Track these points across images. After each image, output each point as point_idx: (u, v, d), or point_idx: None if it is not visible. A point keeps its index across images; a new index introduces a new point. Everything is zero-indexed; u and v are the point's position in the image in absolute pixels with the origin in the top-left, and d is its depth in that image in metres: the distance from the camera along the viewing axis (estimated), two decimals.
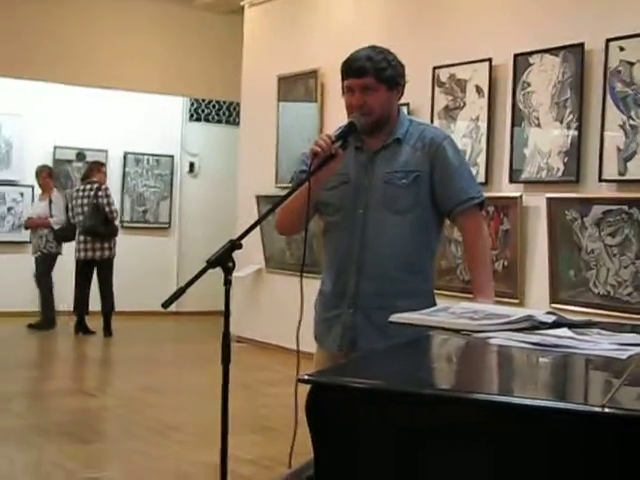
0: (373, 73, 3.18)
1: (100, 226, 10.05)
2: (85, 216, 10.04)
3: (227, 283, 2.73)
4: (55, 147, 11.67)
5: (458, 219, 3.28)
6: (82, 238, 10.06)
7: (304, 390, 1.76)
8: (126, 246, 10.58)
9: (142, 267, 11.71)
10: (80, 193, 10.20)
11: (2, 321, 10.45)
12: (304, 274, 3.06)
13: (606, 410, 1.48)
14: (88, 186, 10.20)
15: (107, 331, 10.22)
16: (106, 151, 11.79)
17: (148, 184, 12.44)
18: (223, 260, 2.73)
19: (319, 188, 3.20)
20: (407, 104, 7.30)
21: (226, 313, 2.75)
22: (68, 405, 6.80)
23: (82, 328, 10.15)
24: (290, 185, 3.36)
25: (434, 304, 3.07)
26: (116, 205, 10.49)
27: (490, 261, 3.51)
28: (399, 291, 3.18)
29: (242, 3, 10.29)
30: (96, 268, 10.22)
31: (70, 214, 10.24)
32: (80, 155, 11.74)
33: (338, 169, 3.19)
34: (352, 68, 3.21)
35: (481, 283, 3.27)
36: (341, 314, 3.27)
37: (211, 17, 11.38)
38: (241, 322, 9.54)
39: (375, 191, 3.23)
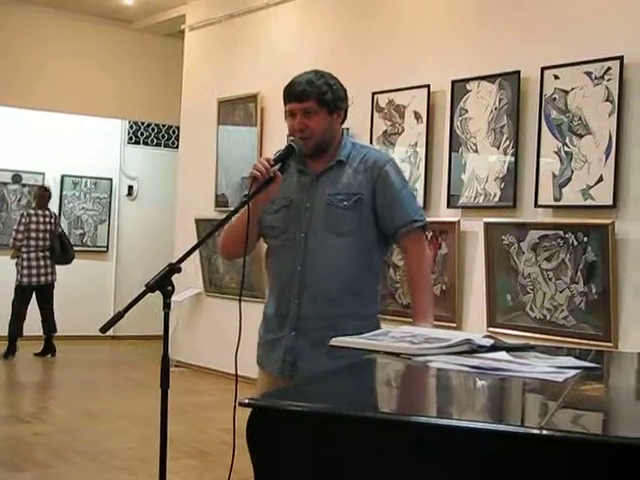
0: (314, 97, 3.20)
1: (60, 252, 10.31)
2: (45, 242, 10.19)
3: (166, 307, 2.71)
4: None
5: (401, 242, 3.30)
6: (36, 263, 10.10)
7: (243, 415, 1.75)
8: (64, 270, 10.43)
9: (80, 291, 11.57)
10: (40, 219, 10.24)
11: None
12: (243, 298, 3.05)
13: (544, 432, 1.50)
14: (47, 212, 10.35)
15: (52, 351, 10.35)
16: (43, 173, 11.65)
17: (86, 207, 12.31)
18: (162, 284, 2.71)
19: (260, 211, 3.20)
20: (347, 129, 7.32)
21: (165, 337, 2.73)
22: (0, 431, 6.68)
23: (13, 352, 10.06)
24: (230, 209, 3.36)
25: (378, 327, 3.08)
26: None
27: (431, 285, 3.54)
28: (342, 313, 3.19)
29: (182, 27, 10.28)
30: (39, 292, 10.25)
31: (19, 236, 10.13)
32: (16, 177, 11.59)
33: (280, 192, 3.20)
34: (294, 92, 3.23)
35: (422, 307, 3.28)
36: (283, 337, 3.26)
37: (151, 40, 11.34)
38: (180, 346, 9.48)
39: (317, 213, 3.24)
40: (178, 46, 10.45)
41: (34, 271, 10.11)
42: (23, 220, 10.14)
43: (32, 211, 10.28)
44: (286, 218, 3.28)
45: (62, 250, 10.35)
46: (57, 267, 10.32)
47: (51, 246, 10.25)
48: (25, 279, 10.09)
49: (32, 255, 10.09)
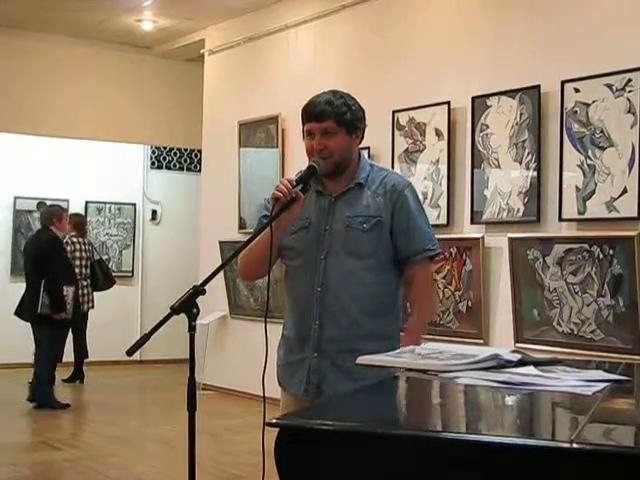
0: (333, 117, 3.21)
1: (103, 278, 10.29)
2: (86, 270, 10.06)
3: (191, 329, 2.72)
4: (15, 197, 11.58)
5: (411, 268, 3.32)
6: (80, 292, 9.66)
7: (272, 436, 1.75)
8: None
9: (106, 316, 11.57)
10: (83, 246, 10.09)
11: None
12: (268, 319, 3.05)
13: (574, 446, 1.49)
14: (82, 239, 10.16)
15: (81, 378, 10.36)
16: (67, 200, 11.72)
17: (110, 233, 12.37)
18: (187, 306, 2.72)
19: (282, 232, 3.21)
20: (367, 148, 7.36)
21: (191, 360, 2.73)
22: (31, 459, 6.70)
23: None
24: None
25: (399, 347, 3.08)
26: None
27: (432, 313, 3.60)
28: (363, 334, 3.20)
29: (202, 51, 10.35)
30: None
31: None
32: (41, 204, 11.66)
33: (299, 213, 3.20)
34: (312, 112, 3.24)
35: (415, 329, 3.36)
36: (305, 358, 3.26)
37: (171, 65, 11.41)
38: (206, 369, 9.48)
39: (336, 235, 3.25)
40: (198, 70, 10.51)
41: (83, 299, 9.90)
42: (68, 248, 9.71)
43: (74, 239, 10.01)
44: (305, 239, 3.28)
45: (104, 276, 10.29)
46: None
47: (92, 274, 10.17)
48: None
49: (82, 283, 9.90)
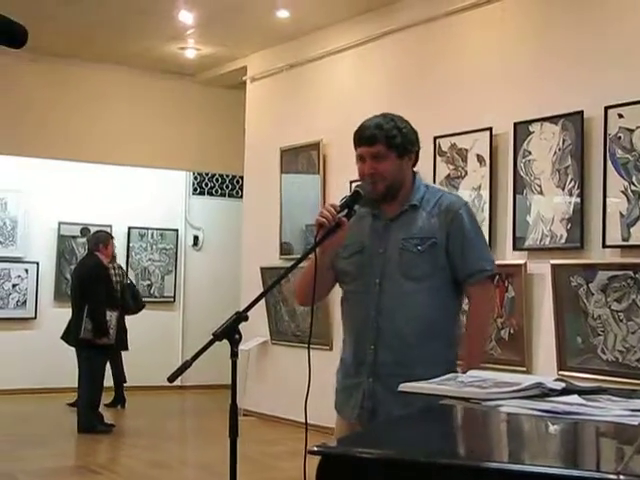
0: (383, 141, 3.22)
1: (132, 302, 10.13)
2: (120, 295, 9.80)
3: (234, 355, 2.72)
4: (60, 223, 11.72)
5: (469, 288, 3.30)
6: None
7: (314, 464, 1.74)
8: (131, 320, 10.50)
9: (147, 341, 11.64)
10: (116, 271, 9.92)
11: (3, 399, 10.38)
12: (311, 345, 3.05)
13: (621, 477, 1.46)
14: (117, 264, 10.06)
15: (123, 402, 10.44)
16: (110, 226, 11.81)
17: (153, 258, 12.45)
18: (229, 332, 2.72)
19: (328, 258, 3.21)
20: (418, 173, 7.33)
21: (233, 386, 2.73)
22: None
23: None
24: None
25: (454, 372, 3.05)
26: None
27: (487, 333, 3.54)
28: (419, 358, 3.16)
29: (244, 78, 10.42)
30: None
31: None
32: (84, 230, 11.77)
33: (353, 237, 3.21)
34: (363, 137, 3.25)
35: (474, 353, 3.32)
36: (361, 382, 3.25)
37: (213, 92, 11.50)
38: (248, 395, 9.47)
39: (391, 258, 3.24)
40: (240, 97, 10.58)
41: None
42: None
43: (109, 264, 9.61)
44: (359, 263, 3.28)
45: (134, 300, 10.21)
46: (126, 317, 10.23)
47: (122, 297, 10.16)
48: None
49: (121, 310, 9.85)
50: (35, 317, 11.48)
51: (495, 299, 3.44)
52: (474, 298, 3.31)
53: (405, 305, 3.21)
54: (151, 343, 11.73)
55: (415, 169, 3.40)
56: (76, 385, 9.04)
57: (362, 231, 3.28)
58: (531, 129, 6.73)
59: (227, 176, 12.91)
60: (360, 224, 3.23)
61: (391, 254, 3.24)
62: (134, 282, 11.15)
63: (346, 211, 3.14)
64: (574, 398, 2.19)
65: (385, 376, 3.18)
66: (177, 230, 12.60)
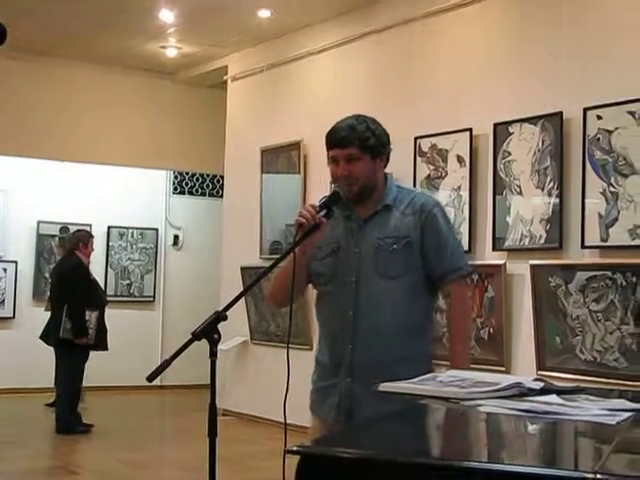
0: (357, 143, 3.21)
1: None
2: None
3: (213, 355, 2.71)
4: (39, 222, 11.66)
5: (445, 288, 3.32)
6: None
7: (293, 463, 1.74)
8: (111, 320, 10.49)
9: (126, 340, 11.60)
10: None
11: None
12: (290, 345, 3.04)
13: (598, 476, 1.47)
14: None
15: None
16: (90, 225, 11.77)
17: (132, 257, 12.41)
18: (209, 332, 2.72)
19: (306, 258, 3.21)
20: (390, 173, 7.34)
21: (212, 385, 2.72)
22: None
23: None
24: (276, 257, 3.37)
25: (431, 370, 3.06)
26: (100, 278, 10.40)
27: (471, 332, 3.55)
28: (397, 357, 3.17)
29: (225, 77, 10.40)
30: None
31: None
32: (64, 229, 11.72)
33: (327, 238, 3.21)
34: (336, 138, 3.24)
35: (460, 353, 3.32)
36: (338, 383, 3.25)
37: (193, 91, 11.47)
38: (227, 395, 9.46)
39: (366, 258, 3.24)
40: (221, 96, 10.56)
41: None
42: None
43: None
44: (335, 264, 3.28)
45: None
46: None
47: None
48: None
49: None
50: (13, 316, 11.42)
51: (472, 298, 3.45)
52: (453, 297, 3.32)
53: (381, 304, 3.21)
54: (130, 342, 11.69)
55: (388, 170, 3.40)
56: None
57: (336, 232, 3.28)
58: (511, 130, 6.75)
59: (207, 175, 12.88)
60: (334, 225, 3.23)
61: (366, 254, 3.25)
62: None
63: (325, 211, 3.14)
64: (553, 398, 2.20)
65: (363, 376, 3.18)
66: (157, 229, 12.57)
